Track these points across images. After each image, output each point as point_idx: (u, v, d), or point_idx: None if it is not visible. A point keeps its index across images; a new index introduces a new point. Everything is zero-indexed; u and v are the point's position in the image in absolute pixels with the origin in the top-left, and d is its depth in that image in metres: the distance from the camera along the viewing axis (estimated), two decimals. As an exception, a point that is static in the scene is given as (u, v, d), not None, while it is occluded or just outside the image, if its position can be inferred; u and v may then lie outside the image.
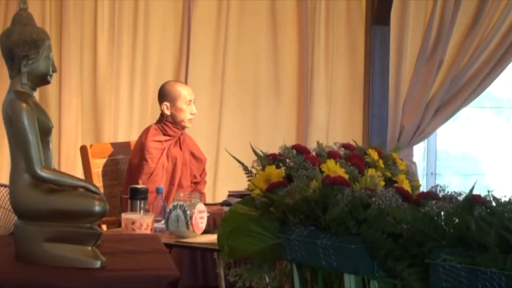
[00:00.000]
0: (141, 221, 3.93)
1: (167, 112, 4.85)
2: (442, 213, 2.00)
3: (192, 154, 4.98)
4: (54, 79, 2.97)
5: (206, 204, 4.26)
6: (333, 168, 2.41)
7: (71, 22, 5.64)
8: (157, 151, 4.78)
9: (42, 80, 2.86)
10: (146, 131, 4.86)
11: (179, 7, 5.86)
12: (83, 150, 4.94)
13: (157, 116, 4.97)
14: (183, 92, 4.87)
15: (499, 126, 6.76)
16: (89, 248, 2.74)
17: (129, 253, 2.96)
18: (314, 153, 2.61)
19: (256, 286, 2.56)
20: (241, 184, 2.64)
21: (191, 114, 4.86)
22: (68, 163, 5.63)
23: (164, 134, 4.84)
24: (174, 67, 5.87)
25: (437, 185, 2.15)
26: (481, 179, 6.63)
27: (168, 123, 4.85)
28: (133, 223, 3.92)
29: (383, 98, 5.65)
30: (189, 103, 4.86)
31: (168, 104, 4.84)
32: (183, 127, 4.89)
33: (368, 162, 2.64)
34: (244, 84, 5.97)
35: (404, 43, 6.04)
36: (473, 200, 1.99)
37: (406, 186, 2.57)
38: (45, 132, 2.83)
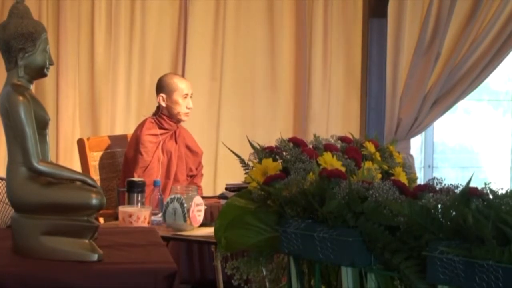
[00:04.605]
0: (138, 214, 3.93)
1: (163, 104, 4.84)
2: (439, 205, 2.00)
3: (187, 147, 4.97)
4: (51, 72, 2.96)
5: (203, 197, 4.26)
6: (330, 161, 2.41)
7: (68, 15, 5.63)
8: (152, 145, 4.77)
9: (38, 73, 2.85)
10: (142, 124, 4.85)
11: (176, 0, 5.85)
12: (80, 143, 4.93)
13: (153, 109, 4.97)
14: (181, 85, 4.87)
15: (497, 119, 6.76)
16: (86, 241, 2.74)
17: (126, 246, 2.96)
18: (311, 146, 2.61)
19: (253, 279, 2.57)
20: (241, 177, 2.64)
21: (187, 108, 4.85)
22: (65, 156, 5.63)
23: (160, 128, 4.83)
24: (171, 61, 5.87)
25: (434, 178, 2.15)
26: (478, 171, 6.64)
27: (164, 116, 4.84)
28: (130, 216, 3.92)
29: (380, 91, 5.66)
30: (185, 96, 4.85)
31: (164, 96, 4.84)
32: (179, 121, 4.89)
33: (365, 155, 2.64)
34: (242, 78, 5.96)
35: (402, 35, 6.04)
36: (470, 193, 1.99)
37: (403, 179, 2.57)
38: (42, 125, 2.82)
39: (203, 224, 4.01)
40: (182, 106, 4.84)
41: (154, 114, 4.89)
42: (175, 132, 4.89)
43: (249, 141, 2.62)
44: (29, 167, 2.73)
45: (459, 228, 1.93)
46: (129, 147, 4.84)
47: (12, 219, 2.81)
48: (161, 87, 4.87)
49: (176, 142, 4.89)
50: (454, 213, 1.96)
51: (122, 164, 4.93)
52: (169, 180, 4.78)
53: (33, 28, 2.81)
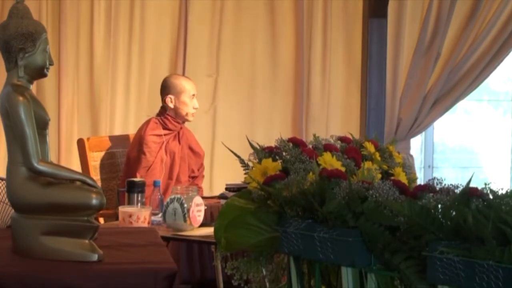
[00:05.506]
0: (138, 214, 3.93)
1: (171, 105, 4.84)
2: (439, 206, 2.00)
3: (190, 148, 4.98)
4: (51, 72, 2.96)
5: (203, 197, 4.26)
6: (329, 161, 2.41)
7: (68, 15, 5.63)
8: (156, 145, 4.77)
9: (38, 73, 2.85)
10: (146, 124, 4.85)
11: (176, 0, 5.85)
12: (80, 143, 4.94)
13: (153, 109, 4.97)
14: (187, 86, 4.88)
15: (497, 119, 6.76)
16: (86, 241, 2.74)
17: (126, 246, 2.96)
18: (310, 146, 2.61)
19: (253, 279, 2.56)
20: (239, 176, 2.64)
21: (193, 108, 4.88)
22: (66, 156, 5.63)
23: (164, 128, 4.83)
24: (171, 60, 5.86)
25: (434, 178, 2.15)
26: (478, 172, 6.63)
27: (169, 116, 4.85)
28: (130, 216, 3.92)
29: (380, 91, 5.65)
30: (192, 97, 4.87)
31: (172, 97, 4.84)
32: (185, 121, 4.90)
33: (365, 155, 2.63)
34: (242, 77, 5.96)
35: (402, 36, 6.04)
36: (470, 193, 1.98)
37: (403, 179, 2.57)
38: (42, 125, 2.82)
39: (203, 224, 4.01)
40: (190, 106, 4.86)
41: (159, 115, 4.89)
42: (178, 133, 4.90)
43: (248, 141, 2.62)
44: (29, 167, 2.72)
45: (459, 228, 1.93)
46: (132, 147, 4.84)
47: (12, 219, 2.81)
48: (169, 88, 4.87)
49: (179, 143, 4.89)
50: (454, 213, 1.96)
51: (123, 164, 4.93)
52: (171, 181, 4.79)
53: (33, 28, 2.81)
